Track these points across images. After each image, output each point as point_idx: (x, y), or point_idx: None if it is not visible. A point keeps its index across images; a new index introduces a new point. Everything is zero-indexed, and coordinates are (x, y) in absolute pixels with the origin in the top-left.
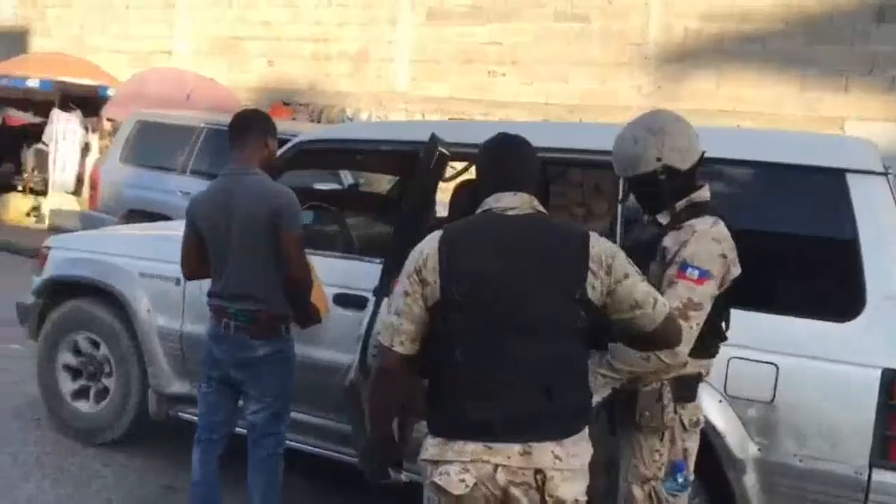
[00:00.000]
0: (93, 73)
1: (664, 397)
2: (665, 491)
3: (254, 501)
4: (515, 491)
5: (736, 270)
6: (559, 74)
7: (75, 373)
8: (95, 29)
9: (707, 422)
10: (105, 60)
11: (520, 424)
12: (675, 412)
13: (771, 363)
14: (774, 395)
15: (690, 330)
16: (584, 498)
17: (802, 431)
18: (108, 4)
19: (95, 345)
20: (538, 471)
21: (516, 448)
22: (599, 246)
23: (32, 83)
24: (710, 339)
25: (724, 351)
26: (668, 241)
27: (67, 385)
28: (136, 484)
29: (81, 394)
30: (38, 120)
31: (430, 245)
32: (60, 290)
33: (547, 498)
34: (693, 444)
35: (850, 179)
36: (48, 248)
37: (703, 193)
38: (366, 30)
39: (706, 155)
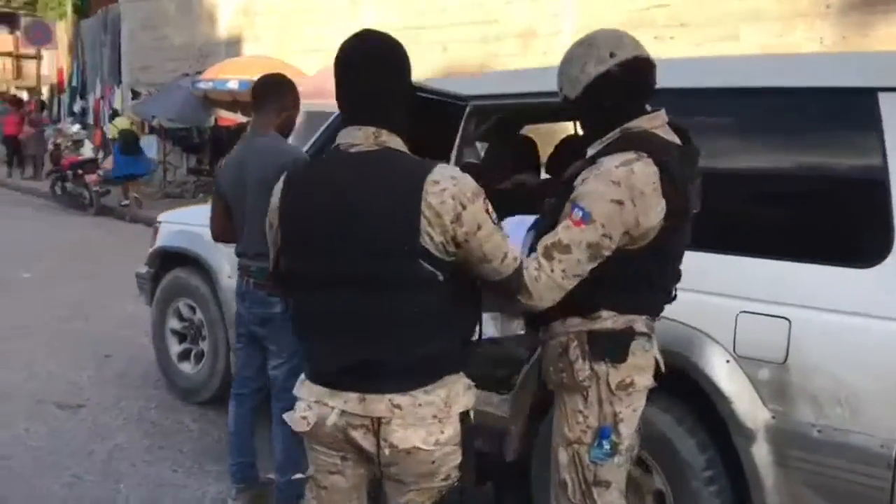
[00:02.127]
0: (285, 73)
1: (570, 352)
2: (589, 457)
3: (276, 453)
4: (354, 433)
5: (646, 221)
6: (730, 33)
7: (181, 336)
8: (295, 31)
9: (713, 385)
10: (303, 60)
11: (356, 375)
12: (591, 370)
13: (783, 317)
14: (787, 355)
15: (551, 273)
16: (429, 446)
17: (820, 397)
18: (304, 7)
19: (193, 310)
20: (374, 418)
21: (354, 395)
22: (443, 191)
23: (233, 84)
24: (640, 292)
25: (733, 304)
26: (581, 175)
27: (174, 348)
28: (214, 439)
29: (185, 356)
30: (244, 119)
31: (278, 185)
32: (168, 260)
33: (382, 442)
34: (627, 410)
35: (883, 99)
36: (159, 222)
37: (643, 122)
38: (532, 5)
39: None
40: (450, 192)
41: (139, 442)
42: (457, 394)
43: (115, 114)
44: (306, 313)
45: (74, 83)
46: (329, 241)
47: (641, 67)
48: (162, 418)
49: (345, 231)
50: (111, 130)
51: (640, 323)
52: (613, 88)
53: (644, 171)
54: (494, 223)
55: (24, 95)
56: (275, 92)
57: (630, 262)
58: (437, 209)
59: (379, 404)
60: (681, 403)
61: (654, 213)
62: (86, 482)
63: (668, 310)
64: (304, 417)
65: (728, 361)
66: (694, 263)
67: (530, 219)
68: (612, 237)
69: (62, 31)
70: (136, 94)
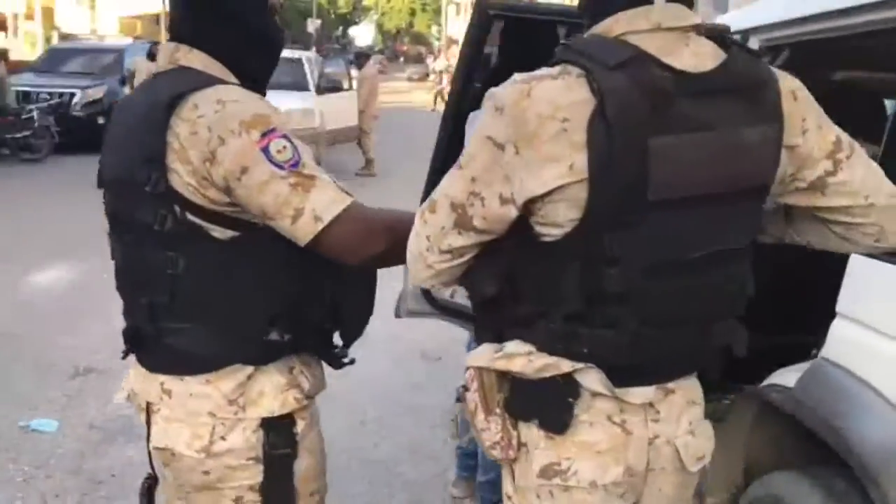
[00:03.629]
0: None
1: (468, 398)
2: None
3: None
4: (142, 417)
5: (533, 184)
6: None
7: None
8: None
9: None
10: None
11: (133, 344)
12: (506, 432)
13: None
14: None
15: (416, 239)
16: (193, 451)
17: None
18: None
19: None
20: (148, 402)
21: (143, 370)
22: (198, 119)
23: None
24: (571, 323)
25: None
26: None
27: None
28: None
29: None
30: None
31: None
32: None
33: (148, 434)
34: None
35: None
36: None
37: (618, 21)
38: None
39: None
40: (207, 120)
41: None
42: (259, 393)
43: None
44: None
45: None
46: (106, 185)
47: None
48: None
49: (106, 167)
50: None
51: (589, 376)
52: None
53: (549, 97)
54: (280, 166)
55: None
56: None
57: (546, 263)
58: (183, 140)
59: (152, 385)
60: None
61: (548, 171)
62: (360, 448)
63: None
64: (124, 388)
65: None
66: None
67: None
68: (484, 200)
69: None
70: None
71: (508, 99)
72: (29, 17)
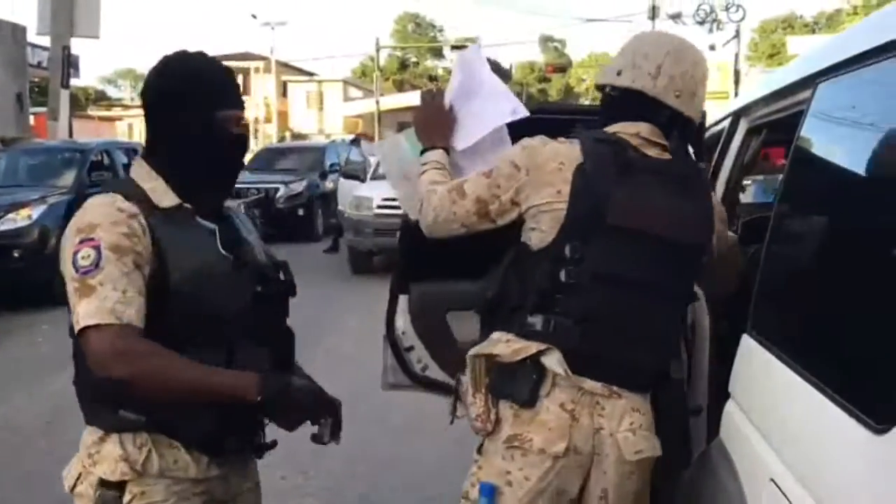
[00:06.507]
0: None
1: (465, 380)
2: None
3: None
4: None
5: (535, 198)
6: None
7: None
8: None
9: None
10: None
11: None
12: (490, 409)
13: None
14: None
15: (451, 205)
16: (68, 483)
17: None
18: None
19: None
20: None
21: None
22: (74, 214)
23: None
24: (537, 311)
25: None
26: None
27: None
28: None
29: None
30: None
31: None
32: None
33: None
34: (518, 474)
35: None
36: None
37: (612, 127)
38: None
39: None
40: (74, 218)
41: None
42: (105, 456)
43: None
44: None
45: None
46: None
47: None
48: None
49: None
50: None
51: (552, 357)
52: None
53: (556, 150)
54: (77, 269)
55: None
56: None
57: (527, 266)
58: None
59: None
60: None
61: (546, 191)
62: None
63: None
64: None
65: None
66: None
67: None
68: (500, 200)
69: None
70: None
71: (532, 144)
72: (268, 120)
